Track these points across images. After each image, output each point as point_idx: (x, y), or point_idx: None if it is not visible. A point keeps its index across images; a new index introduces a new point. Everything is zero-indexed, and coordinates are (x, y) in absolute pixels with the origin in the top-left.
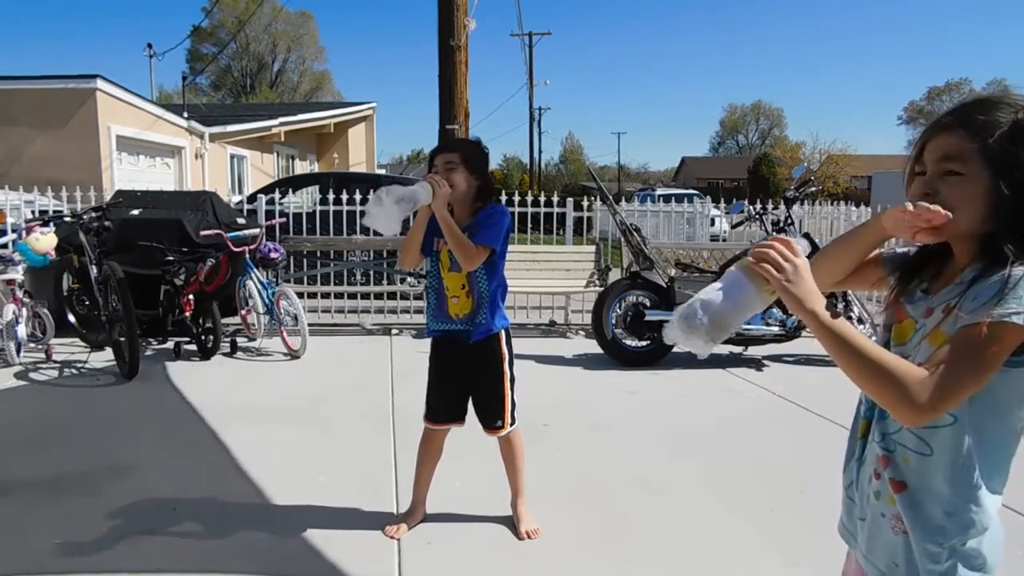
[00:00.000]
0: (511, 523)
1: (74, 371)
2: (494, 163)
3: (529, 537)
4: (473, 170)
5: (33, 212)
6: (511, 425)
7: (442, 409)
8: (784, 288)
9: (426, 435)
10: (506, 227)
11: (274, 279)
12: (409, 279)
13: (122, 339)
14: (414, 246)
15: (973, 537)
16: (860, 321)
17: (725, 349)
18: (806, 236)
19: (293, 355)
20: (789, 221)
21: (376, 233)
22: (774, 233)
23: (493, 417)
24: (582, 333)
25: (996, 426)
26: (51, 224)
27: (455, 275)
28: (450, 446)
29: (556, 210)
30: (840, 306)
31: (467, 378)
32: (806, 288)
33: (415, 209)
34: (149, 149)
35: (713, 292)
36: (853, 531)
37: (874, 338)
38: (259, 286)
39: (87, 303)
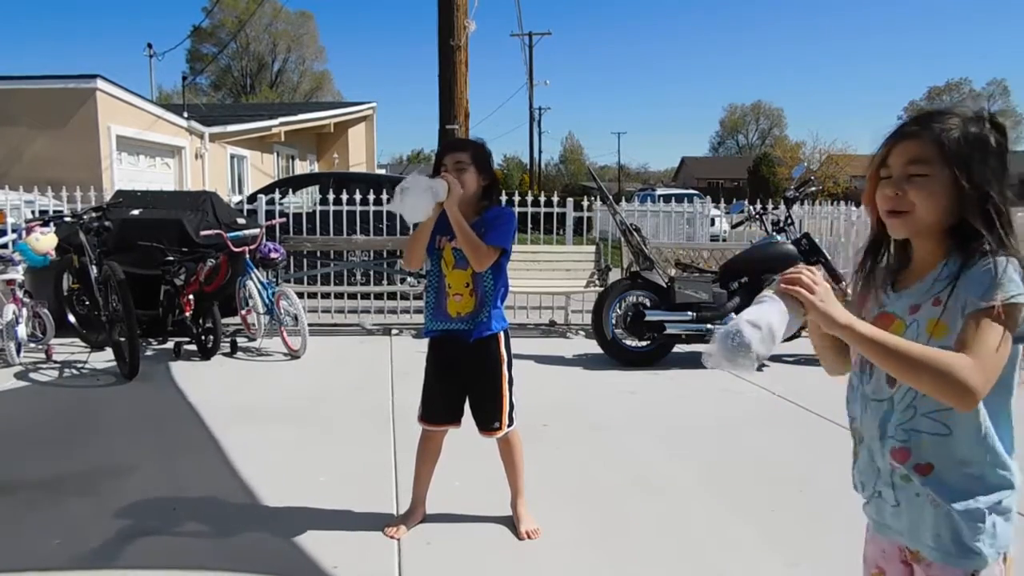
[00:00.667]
0: (511, 523)
1: (74, 371)
2: (494, 163)
3: (529, 537)
4: (481, 170)
5: (33, 212)
6: (508, 427)
7: (440, 410)
8: (817, 307)
9: (424, 436)
10: (515, 228)
11: (274, 279)
12: (409, 279)
13: (122, 339)
14: (420, 246)
15: (1006, 492)
16: None
17: None
18: (806, 236)
19: (293, 355)
20: (789, 221)
21: (377, 232)
22: (774, 233)
23: (490, 419)
24: (582, 333)
25: (996, 392)
26: (51, 224)
27: (460, 273)
28: (450, 446)
29: (556, 210)
30: None
31: (465, 379)
32: (836, 305)
33: (437, 202)
34: (149, 149)
35: (756, 314)
36: (884, 521)
37: None
38: (259, 286)
39: (87, 303)
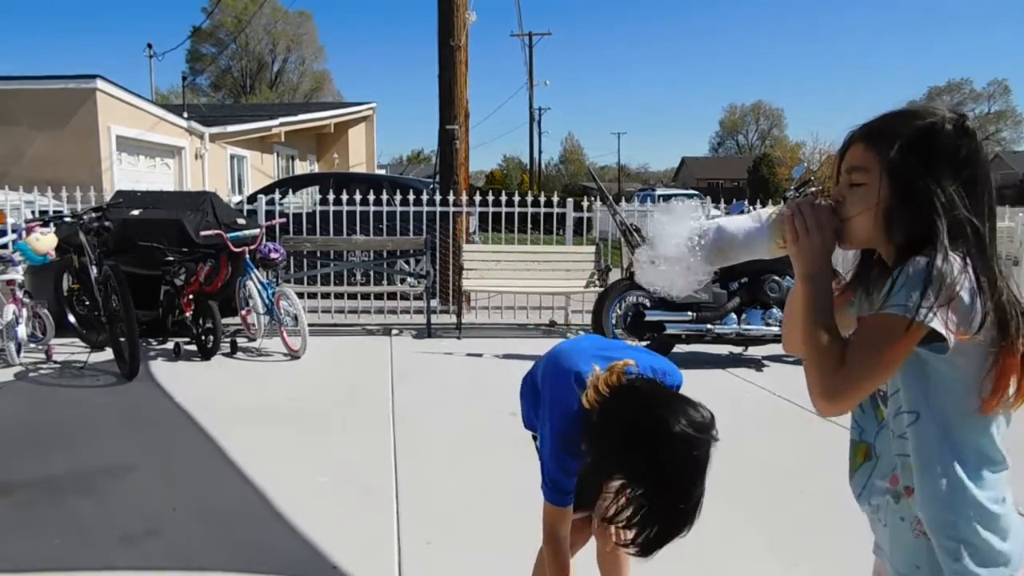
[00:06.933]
0: (511, 523)
1: (74, 371)
2: (494, 163)
3: None
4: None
5: (33, 212)
6: None
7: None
8: (797, 242)
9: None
10: None
11: (274, 279)
12: (409, 279)
13: (122, 339)
14: None
15: (982, 527)
16: None
17: (725, 349)
18: None
19: (293, 355)
20: None
21: (377, 232)
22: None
23: None
24: (582, 333)
25: (956, 410)
26: (51, 224)
27: None
28: (450, 446)
29: (556, 210)
30: None
31: None
32: (807, 257)
33: None
34: (149, 149)
35: (733, 222)
36: (880, 541)
37: None
38: (259, 286)
39: (87, 303)
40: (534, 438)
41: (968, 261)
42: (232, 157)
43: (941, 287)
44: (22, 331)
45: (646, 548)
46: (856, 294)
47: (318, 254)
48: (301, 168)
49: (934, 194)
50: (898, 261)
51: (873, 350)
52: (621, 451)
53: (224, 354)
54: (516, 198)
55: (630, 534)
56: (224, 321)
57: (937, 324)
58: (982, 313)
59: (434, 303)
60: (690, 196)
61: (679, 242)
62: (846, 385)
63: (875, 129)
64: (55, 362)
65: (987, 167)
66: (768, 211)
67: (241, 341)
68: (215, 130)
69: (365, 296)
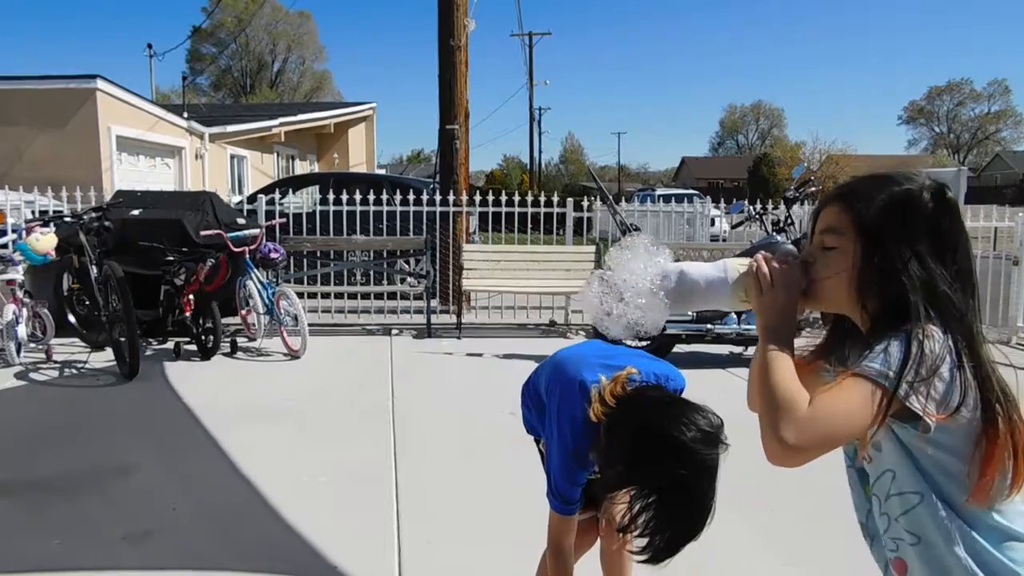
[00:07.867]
0: (511, 523)
1: (74, 371)
2: (494, 163)
3: None
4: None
5: (33, 212)
6: None
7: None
8: (761, 295)
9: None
10: None
11: (274, 279)
12: (409, 279)
13: (122, 339)
14: None
15: None
16: None
17: (725, 349)
18: (806, 236)
19: (293, 355)
20: (789, 221)
21: (377, 232)
22: (773, 233)
23: None
24: (582, 333)
25: (957, 486)
26: (51, 224)
27: None
28: (450, 446)
29: (556, 210)
30: None
31: None
32: (769, 312)
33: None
34: (149, 149)
35: (696, 269)
36: None
37: None
38: (259, 286)
39: (87, 303)
40: (536, 441)
41: (949, 335)
42: (232, 157)
43: (922, 362)
44: (22, 331)
45: (658, 556)
46: (830, 361)
47: (318, 254)
48: (301, 168)
49: (908, 263)
50: (874, 330)
51: (844, 406)
52: (631, 463)
53: (224, 354)
54: (516, 198)
55: (642, 542)
56: (224, 321)
57: (915, 403)
58: (960, 391)
59: (434, 303)
60: (690, 196)
61: (642, 277)
62: (808, 433)
63: (851, 192)
64: (55, 362)
65: (967, 243)
66: (733, 263)
67: (241, 341)
68: (215, 130)
69: (365, 296)
